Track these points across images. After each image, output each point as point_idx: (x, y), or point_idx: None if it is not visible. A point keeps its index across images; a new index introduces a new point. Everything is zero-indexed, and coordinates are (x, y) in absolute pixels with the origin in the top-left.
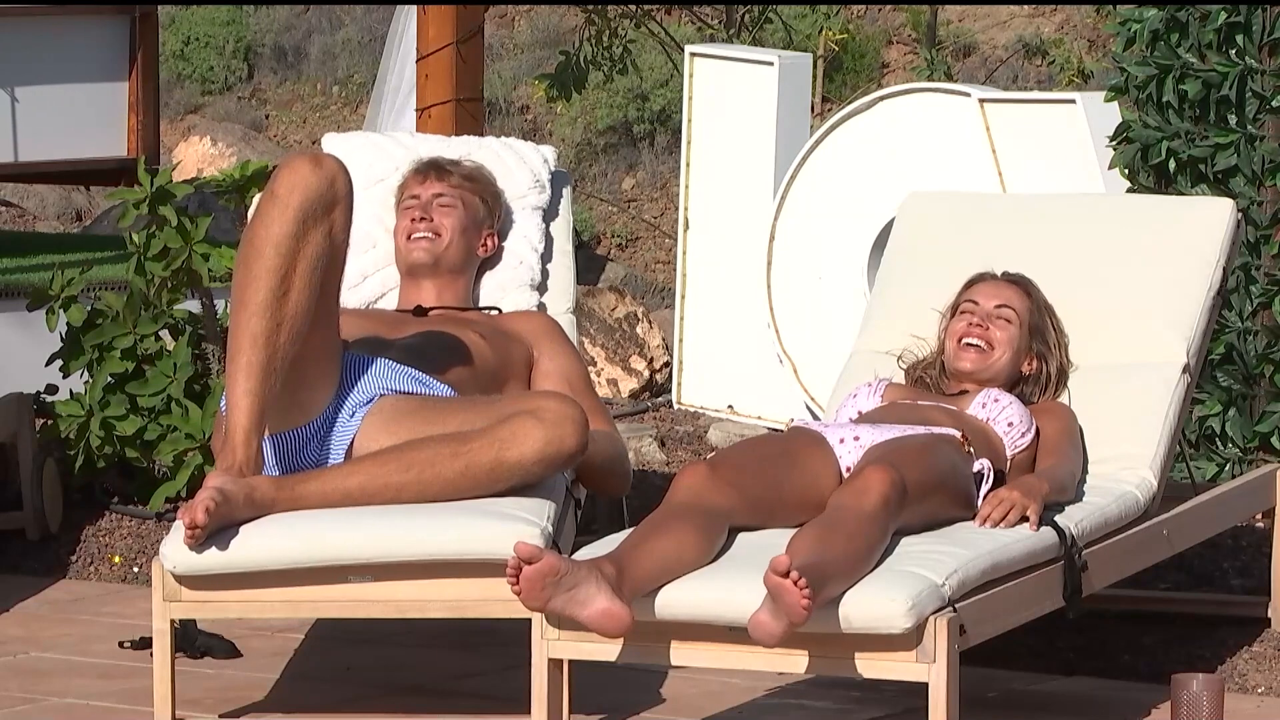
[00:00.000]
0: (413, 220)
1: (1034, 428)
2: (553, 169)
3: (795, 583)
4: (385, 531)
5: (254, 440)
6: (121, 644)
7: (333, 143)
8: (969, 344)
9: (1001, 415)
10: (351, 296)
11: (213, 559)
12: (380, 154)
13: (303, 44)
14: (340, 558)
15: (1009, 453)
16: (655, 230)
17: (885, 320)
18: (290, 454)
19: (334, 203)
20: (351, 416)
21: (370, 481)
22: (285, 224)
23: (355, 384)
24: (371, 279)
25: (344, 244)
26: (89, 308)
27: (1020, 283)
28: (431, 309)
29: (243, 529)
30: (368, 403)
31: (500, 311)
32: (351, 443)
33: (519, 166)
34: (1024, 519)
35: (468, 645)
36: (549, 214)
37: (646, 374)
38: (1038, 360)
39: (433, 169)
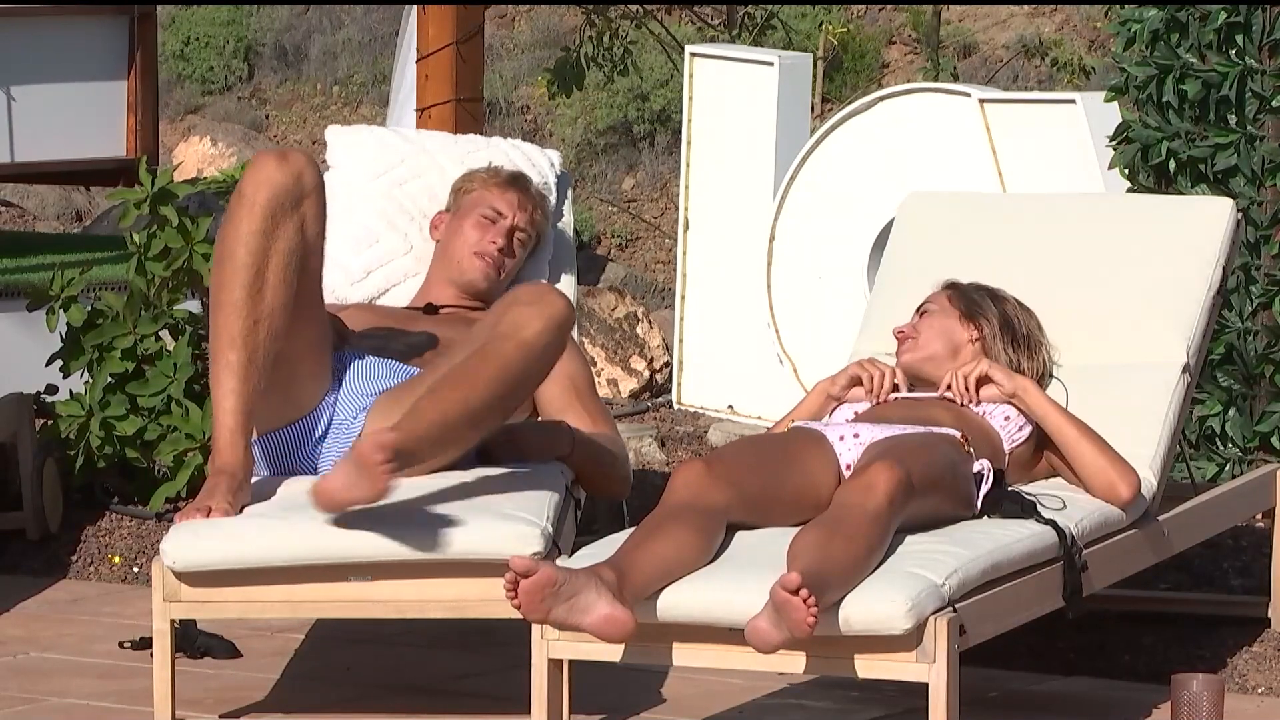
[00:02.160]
0: (490, 241)
1: (1032, 422)
2: (558, 172)
3: (805, 601)
4: (385, 531)
5: (240, 441)
6: (121, 644)
7: (335, 135)
8: (903, 347)
9: (998, 409)
10: (354, 292)
11: (213, 554)
12: (383, 147)
13: (303, 44)
14: (341, 556)
15: (1007, 447)
16: (655, 230)
17: (885, 320)
18: (282, 455)
19: (302, 196)
20: (355, 419)
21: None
22: (254, 221)
23: (355, 387)
24: (375, 274)
25: (318, 237)
26: (89, 308)
27: (943, 285)
28: (443, 307)
29: (244, 526)
30: (366, 406)
31: None
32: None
33: (527, 168)
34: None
35: (468, 645)
36: (553, 216)
37: (646, 374)
38: (974, 323)
39: (526, 196)
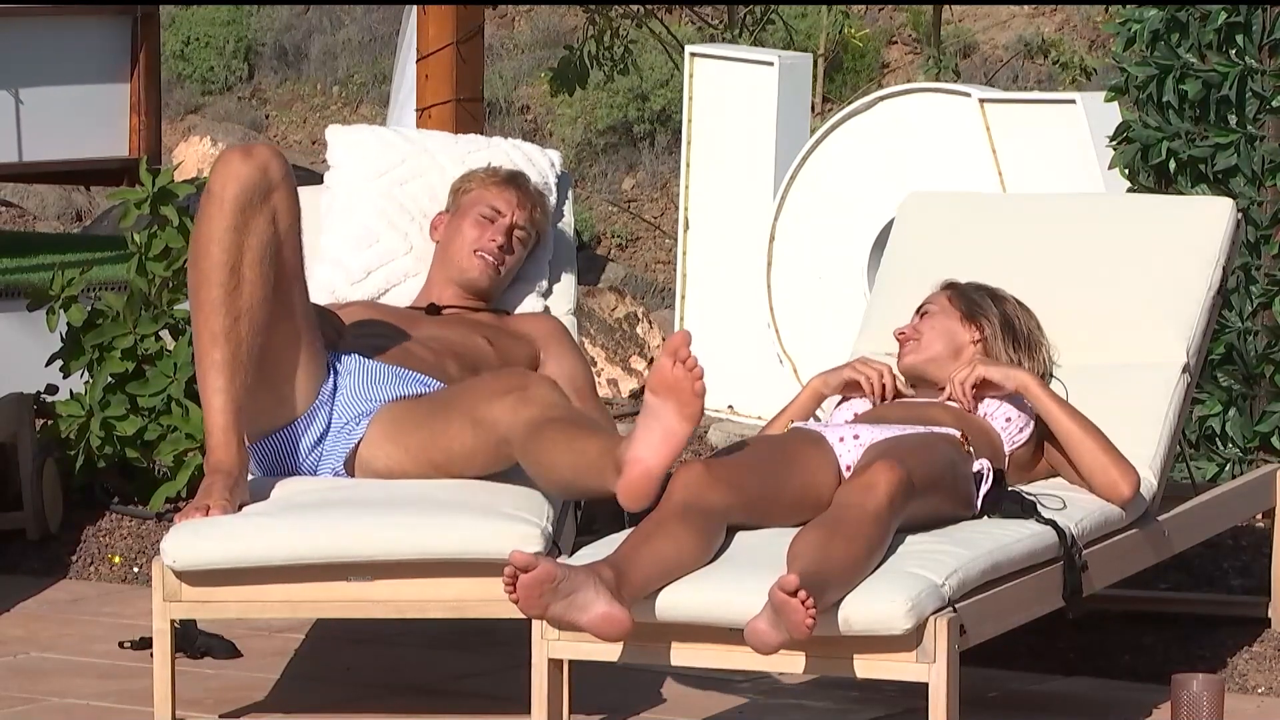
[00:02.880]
0: (491, 239)
1: (1032, 423)
2: (559, 172)
3: (803, 602)
4: (386, 530)
5: (233, 438)
6: (121, 644)
7: (336, 135)
8: (904, 349)
9: (999, 410)
10: (354, 291)
11: (213, 554)
12: (384, 146)
13: (303, 44)
14: (341, 555)
15: (1007, 448)
16: (655, 230)
17: (885, 320)
18: (279, 459)
19: (270, 189)
20: (358, 425)
21: None
22: (224, 218)
23: (358, 391)
24: (375, 274)
25: (291, 228)
26: (89, 308)
27: (943, 285)
28: (445, 307)
29: (244, 526)
30: (370, 412)
31: (509, 313)
32: (354, 450)
33: (528, 168)
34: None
35: (468, 645)
36: (554, 216)
37: (647, 374)
38: (975, 324)
39: (524, 194)
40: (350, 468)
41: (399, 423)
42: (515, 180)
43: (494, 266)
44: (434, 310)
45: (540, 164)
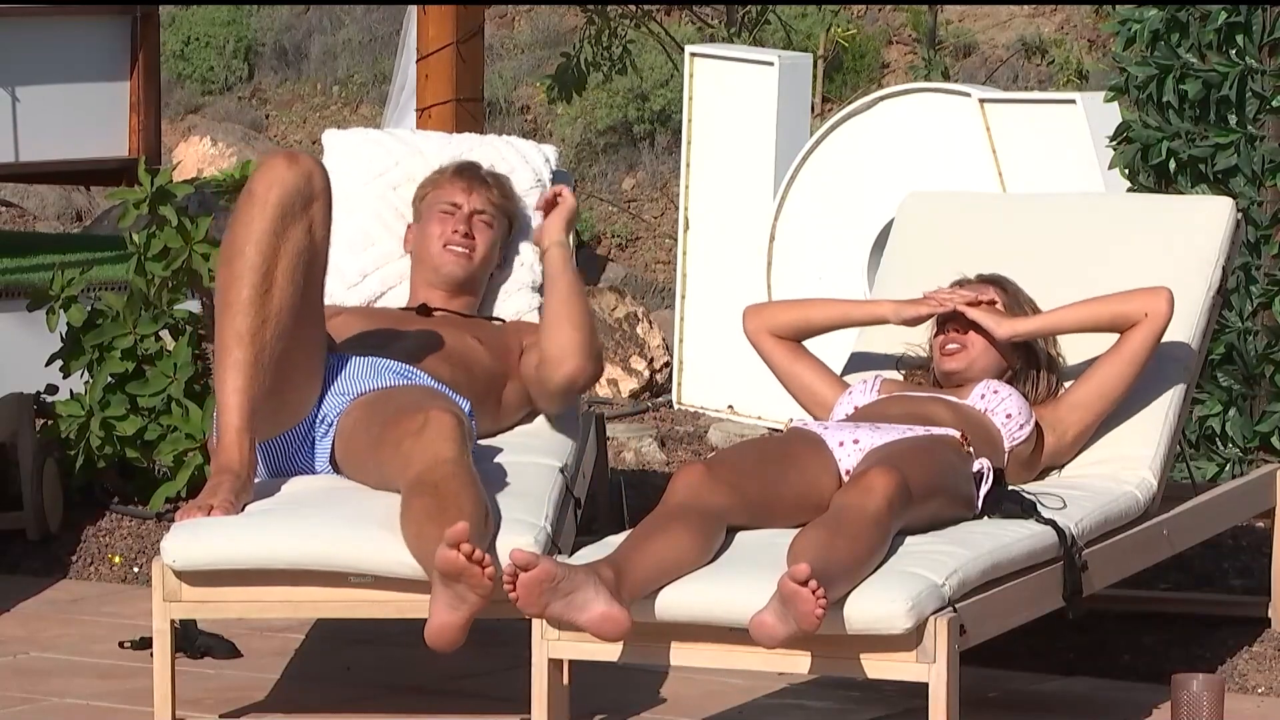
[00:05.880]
0: (454, 231)
1: (1033, 420)
2: (554, 168)
3: (814, 592)
4: (386, 541)
5: (245, 440)
6: (121, 644)
7: (333, 138)
8: (950, 349)
9: (1000, 407)
10: (351, 295)
11: (214, 554)
12: (379, 150)
13: (303, 44)
14: (341, 565)
15: (1007, 445)
16: (655, 230)
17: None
18: (280, 460)
19: (311, 198)
20: (334, 428)
21: None
22: (265, 221)
23: (340, 388)
24: (371, 277)
25: (324, 240)
26: (89, 308)
27: (996, 281)
28: (436, 309)
29: (244, 526)
30: (342, 408)
31: (504, 322)
32: (331, 448)
33: (521, 165)
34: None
35: (468, 645)
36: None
37: (646, 374)
38: (1022, 351)
39: (476, 180)
40: (335, 466)
41: (350, 426)
42: (464, 170)
43: (465, 255)
44: (425, 311)
45: (534, 160)
